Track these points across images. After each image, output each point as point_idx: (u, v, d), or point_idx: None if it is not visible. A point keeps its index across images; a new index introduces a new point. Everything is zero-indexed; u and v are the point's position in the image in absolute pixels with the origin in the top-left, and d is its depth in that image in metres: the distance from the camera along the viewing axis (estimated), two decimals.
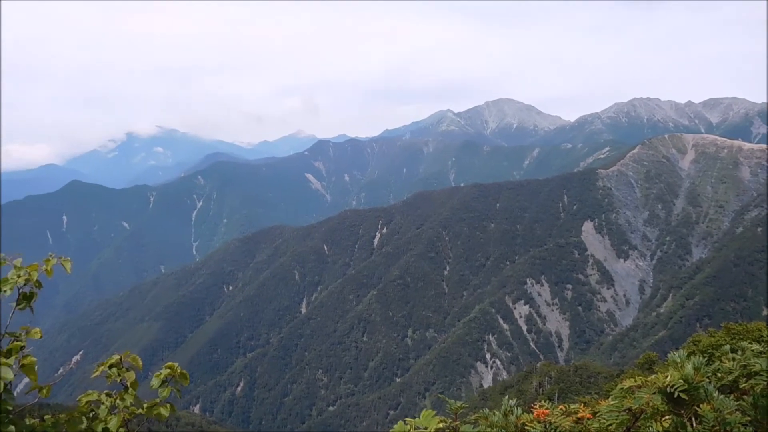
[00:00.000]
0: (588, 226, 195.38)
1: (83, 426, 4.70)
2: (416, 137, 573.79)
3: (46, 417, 4.51)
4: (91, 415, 4.85)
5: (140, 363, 5.13)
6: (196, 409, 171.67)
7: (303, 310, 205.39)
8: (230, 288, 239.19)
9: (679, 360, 3.95)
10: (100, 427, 4.76)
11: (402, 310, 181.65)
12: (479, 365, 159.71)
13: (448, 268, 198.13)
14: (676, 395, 3.66)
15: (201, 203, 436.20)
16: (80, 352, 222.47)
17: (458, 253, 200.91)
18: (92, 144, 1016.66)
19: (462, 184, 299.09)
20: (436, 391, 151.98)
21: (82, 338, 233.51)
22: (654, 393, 3.77)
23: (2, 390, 4.21)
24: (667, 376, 3.78)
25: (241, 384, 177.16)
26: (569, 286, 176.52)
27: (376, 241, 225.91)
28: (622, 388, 3.99)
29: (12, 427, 4.21)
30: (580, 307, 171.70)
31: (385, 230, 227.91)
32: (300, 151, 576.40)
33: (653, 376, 3.92)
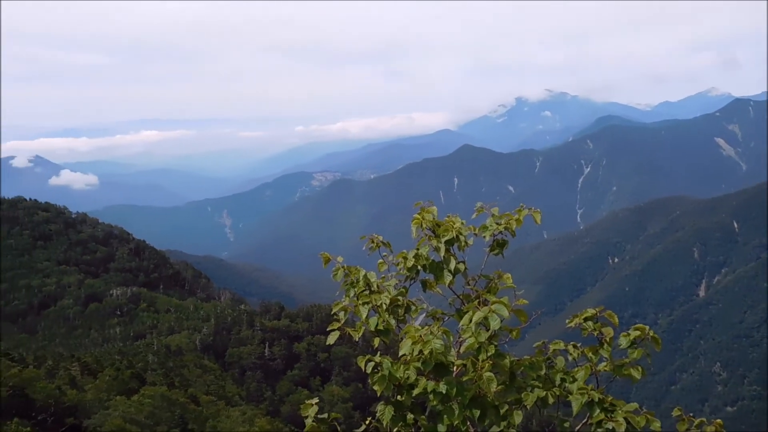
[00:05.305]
0: None
1: (541, 372, 5.11)
2: None
3: (525, 357, 5.13)
4: (548, 363, 5.21)
5: (616, 319, 5.26)
6: None
7: (701, 294, 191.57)
8: (616, 260, 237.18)
9: None
10: (558, 377, 5.13)
11: None
12: None
13: None
14: None
15: (589, 169, 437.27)
16: None
17: None
18: (483, 110, 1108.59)
19: None
20: None
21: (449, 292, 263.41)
22: None
23: (498, 327, 4.71)
24: None
25: None
26: None
27: None
28: None
29: (506, 360, 4.86)
30: None
31: None
32: (710, 112, 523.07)
33: None
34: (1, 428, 28.71)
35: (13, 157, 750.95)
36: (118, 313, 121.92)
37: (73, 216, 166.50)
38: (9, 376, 39.21)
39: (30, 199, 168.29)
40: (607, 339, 5.12)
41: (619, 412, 4.75)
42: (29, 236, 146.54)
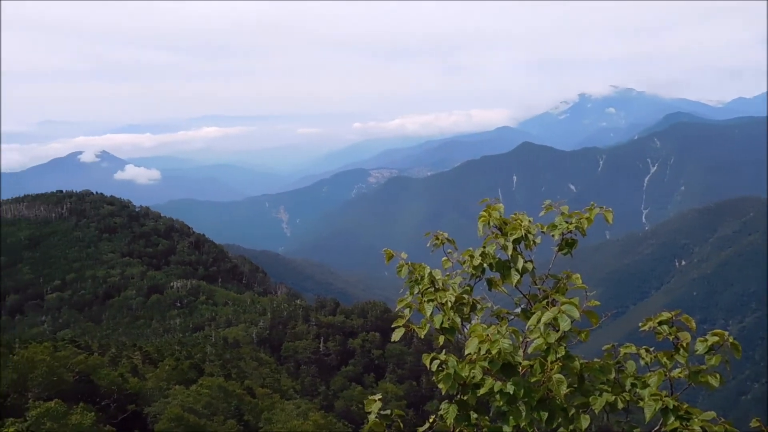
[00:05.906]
0: None
1: (611, 376, 4.93)
2: None
3: (594, 360, 4.96)
4: (618, 367, 5.04)
5: (693, 324, 4.99)
6: None
7: None
8: (683, 263, 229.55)
9: None
10: (628, 381, 4.95)
11: None
12: None
13: None
14: None
15: (655, 168, 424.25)
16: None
17: None
18: (544, 106, 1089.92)
19: None
20: None
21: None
22: None
23: (568, 328, 4.61)
24: None
25: None
26: None
27: None
28: None
29: (576, 363, 4.74)
30: None
31: None
32: None
33: None
34: (68, 412, 30.13)
35: (81, 153, 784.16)
36: (179, 304, 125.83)
37: (137, 209, 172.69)
38: (75, 363, 41.03)
39: (96, 192, 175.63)
40: (684, 344, 4.89)
41: (696, 420, 4.57)
42: (95, 228, 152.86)
